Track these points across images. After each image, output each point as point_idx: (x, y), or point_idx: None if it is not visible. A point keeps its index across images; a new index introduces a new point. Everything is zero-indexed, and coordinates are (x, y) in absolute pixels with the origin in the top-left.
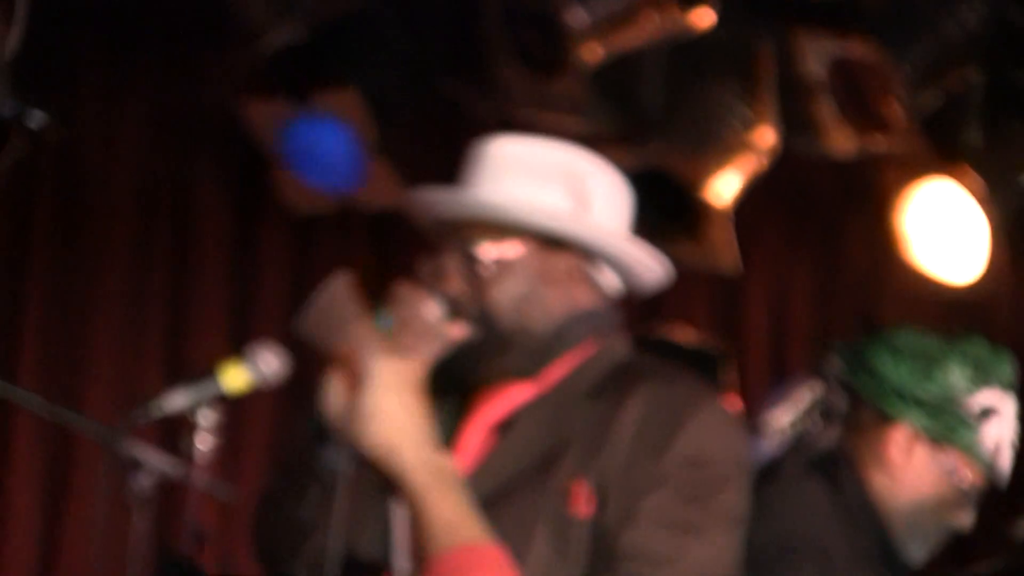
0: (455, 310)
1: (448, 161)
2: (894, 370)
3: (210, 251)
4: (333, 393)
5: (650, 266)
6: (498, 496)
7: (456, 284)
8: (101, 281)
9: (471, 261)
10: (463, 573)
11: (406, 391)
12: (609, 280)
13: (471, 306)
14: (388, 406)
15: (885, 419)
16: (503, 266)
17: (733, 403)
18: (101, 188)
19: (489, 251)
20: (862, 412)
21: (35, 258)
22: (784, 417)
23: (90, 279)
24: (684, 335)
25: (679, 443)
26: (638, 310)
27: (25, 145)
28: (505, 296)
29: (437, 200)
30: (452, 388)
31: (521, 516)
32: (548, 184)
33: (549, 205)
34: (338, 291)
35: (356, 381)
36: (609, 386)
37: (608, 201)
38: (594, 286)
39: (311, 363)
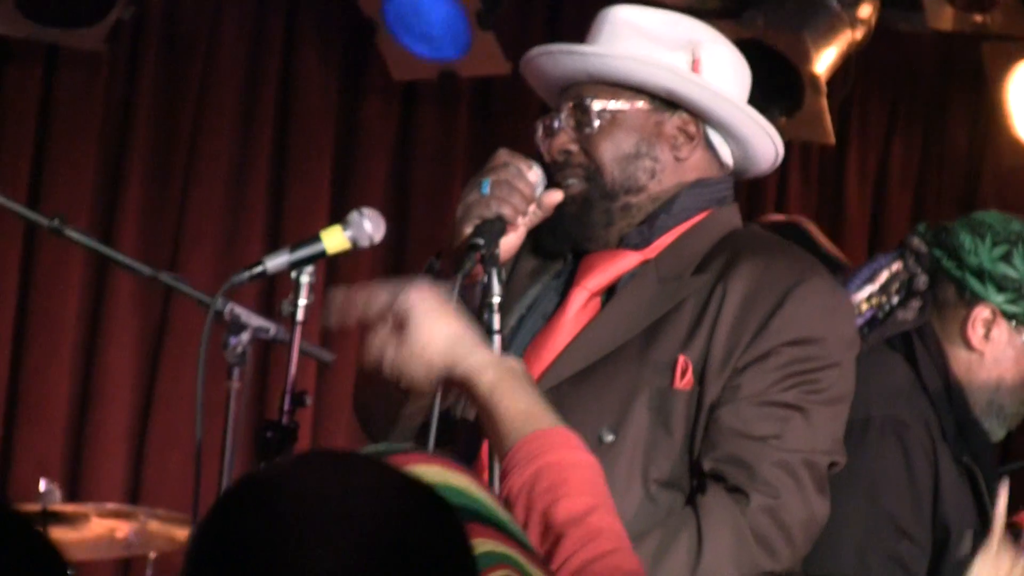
0: (557, 170)
1: (552, 34)
2: (974, 252)
3: (313, 117)
4: (378, 347)
5: (762, 134)
6: (599, 363)
7: (566, 139)
8: (204, 147)
9: (582, 115)
10: (538, 457)
11: (443, 312)
12: (725, 151)
13: (579, 161)
14: (435, 330)
15: (966, 299)
16: (613, 119)
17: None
18: (206, 54)
19: (600, 104)
20: (943, 290)
21: (139, 123)
22: (862, 294)
23: (193, 145)
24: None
25: (781, 321)
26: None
27: (130, 9)
28: (613, 149)
29: (554, 56)
30: (561, 252)
31: (623, 384)
32: (664, 48)
33: (664, 64)
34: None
35: (399, 328)
36: (715, 259)
37: (723, 71)
38: (708, 152)
39: (410, 229)
